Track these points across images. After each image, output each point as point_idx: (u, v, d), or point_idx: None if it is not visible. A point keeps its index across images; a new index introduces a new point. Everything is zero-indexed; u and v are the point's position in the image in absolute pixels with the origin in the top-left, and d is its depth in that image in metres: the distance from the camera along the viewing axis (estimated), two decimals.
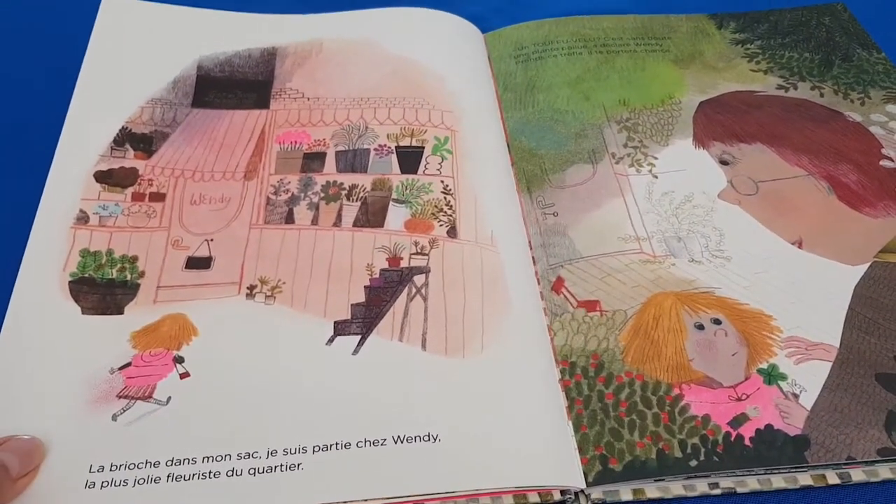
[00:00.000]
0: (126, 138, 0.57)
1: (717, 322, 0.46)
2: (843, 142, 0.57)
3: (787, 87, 0.62)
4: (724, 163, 0.56)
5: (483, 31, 0.68)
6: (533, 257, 0.51)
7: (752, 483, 0.41)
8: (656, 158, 0.57)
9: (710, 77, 0.63)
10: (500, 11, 0.72)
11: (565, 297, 0.49)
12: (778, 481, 0.41)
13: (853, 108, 0.60)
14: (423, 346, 0.46)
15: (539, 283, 0.50)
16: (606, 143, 0.58)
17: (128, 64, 0.62)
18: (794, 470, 0.41)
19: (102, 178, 0.55)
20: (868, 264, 0.49)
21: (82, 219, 0.52)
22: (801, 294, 0.48)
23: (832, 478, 0.41)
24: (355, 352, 0.46)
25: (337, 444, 0.42)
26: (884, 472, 0.41)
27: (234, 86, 0.62)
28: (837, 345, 0.45)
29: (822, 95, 0.61)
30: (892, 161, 0.56)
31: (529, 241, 0.52)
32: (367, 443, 0.42)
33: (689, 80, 0.63)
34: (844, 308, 0.47)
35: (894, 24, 0.68)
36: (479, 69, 0.65)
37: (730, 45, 0.66)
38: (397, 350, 0.46)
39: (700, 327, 0.46)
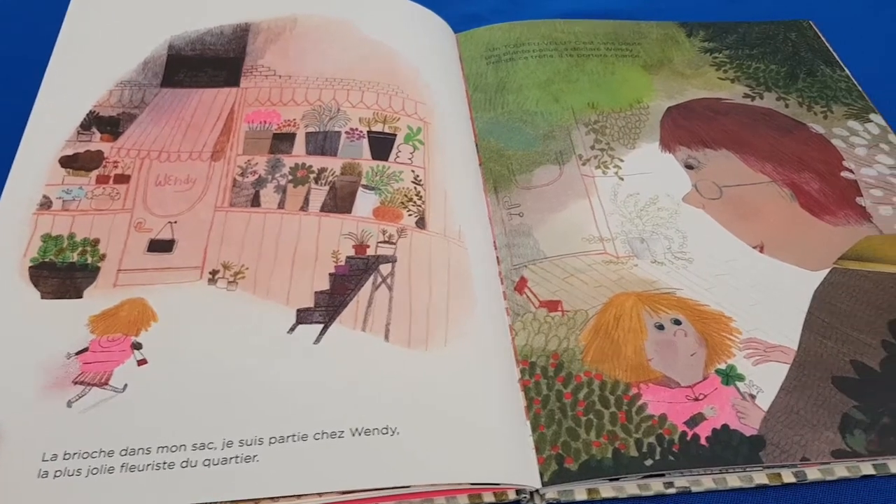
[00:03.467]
0: (93, 122, 0.56)
1: (678, 322, 0.47)
2: (806, 151, 0.58)
3: (754, 96, 0.63)
4: (689, 167, 0.57)
5: None
6: (497, 257, 0.51)
7: (707, 482, 0.41)
8: (622, 161, 0.57)
9: (678, 83, 0.64)
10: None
11: (528, 297, 0.49)
12: (733, 480, 0.41)
13: (816, 121, 0.61)
14: (386, 337, 0.46)
15: (502, 283, 0.50)
16: (574, 145, 0.58)
17: (99, 48, 0.61)
18: (750, 469, 0.41)
19: (67, 162, 0.54)
20: (828, 270, 0.50)
21: (45, 204, 0.51)
22: (761, 297, 0.49)
23: (787, 476, 0.42)
24: (317, 341, 0.46)
25: (294, 435, 0.41)
26: (840, 470, 0.42)
27: (204, 64, 0.61)
28: (795, 347, 0.46)
29: (787, 106, 0.62)
30: (853, 173, 0.57)
31: (494, 241, 0.52)
32: (325, 435, 0.41)
33: (658, 85, 0.63)
34: (803, 312, 0.48)
35: (859, 44, 0.70)
36: (451, 67, 0.65)
37: (699, 54, 0.67)
38: (360, 340, 0.46)
39: (660, 327, 0.47)
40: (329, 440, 0.41)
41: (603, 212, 0.53)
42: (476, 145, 0.59)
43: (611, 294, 0.49)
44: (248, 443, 0.41)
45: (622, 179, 0.56)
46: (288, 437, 0.41)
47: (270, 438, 0.41)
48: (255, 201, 0.52)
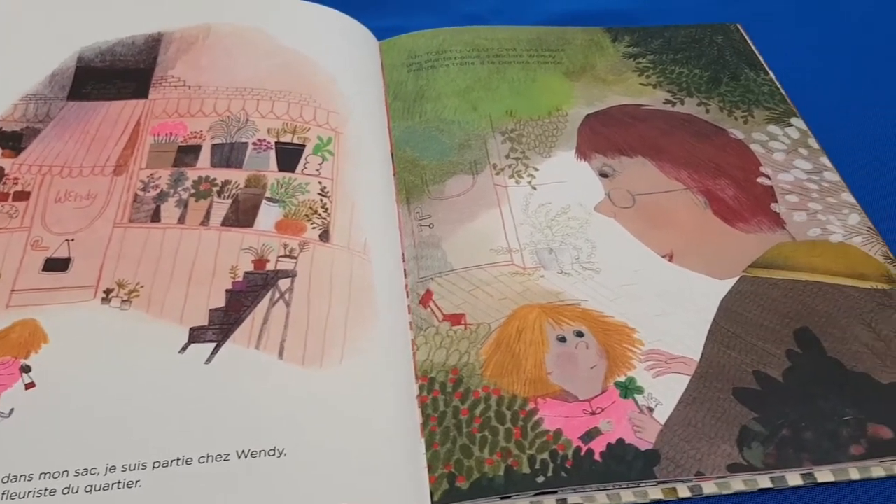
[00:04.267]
0: None
1: (580, 335, 0.46)
2: (723, 157, 0.58)
3: (675, 101, 0.62)
4: (603, 175, 0.56)
5: None
6: (405, 270, 0.50)
7: (600, 498, 0.40)
8: (537, 170, 0.56)
9: (599, 89, 0.63)
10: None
11: (432, 310, 0.48)
12: (627, 496, 0.41)
13: (736, 126, 0.60)
14: (280, 355, 0.45)
15: (408, 297, 0.49)
16: (489, 154, 0.57)
17: (5, 61, 0.60)
18: (644, 484, 0.40)
19: None
20: (736, 278, 0.50)
21: None
22: (666, 307, 0.48)
23: (683, 491, 0.41)
24: (208, 360, 0.44)
25: (178, 459, 0.40)
26: (736, 484, 0.41)
27: (114, 75, 0.60)
28: (698, 358, 0.45)
29: (707, 111, 0.61)
30: (769, 179, 0.56)
31: (403, 254, 0.51)
32: (210, 458, 0.40)
33: (578, 92, 0.62)
34: (709, 322, 0.47)
35: (787, 48, 0.69)
36: (371, 76, 0.64)
37: (622, 59, 0.66)
38: (252, 358, 0.44)
39: (562, 340, 0.46)
40: (214, 463, 0.40)
41: (513, 222, 0.53)
42: (392, 155, 0.58)
43: (515, 306, 0.48)
44: (132, 468, 0.40)
45: (535, 189, 0.55)
46: (172, 461, 0.40)
47: (154, 463, 0.40)
48: (156, 216, 0.51)
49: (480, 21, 0.70)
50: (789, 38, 0.71)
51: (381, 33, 0.68)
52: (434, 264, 0.50)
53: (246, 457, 0.40)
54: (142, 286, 0.47)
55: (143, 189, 0.52)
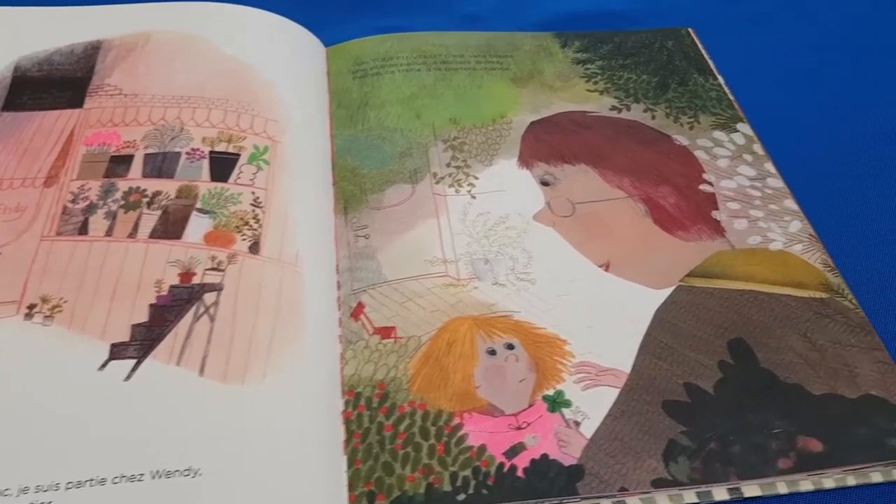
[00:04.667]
0: None
1: (511, 347, 0.45)
2: (666, 164, 0.57)
3: (621, 108, 0.62)
4: (544, 183, 0.55)
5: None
6: (339, 282, 0.50)
7: None
8: (477, 178, 0.55)
9: (546, 96, 0.62)
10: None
11: (363, 323, 0.47)
12: None
13: (682, 132, 0.60)
14: (202, 371, 0.44)
15: (340, 309, 0.48)
16: (430, 162, 0.56)
17: None
18: (566, 500, 0.40)
19: None
20: (672, 288, 0.49)
21: None
22: (600, 318, 0.47)
23: None
24: (127, 377, 0.43)
25: (91, 479, 0.39)
26: (661, 499, 0.41)
27: (50, 85, 0.59)
28: (629, 370, 0.45)
29: (653, 118, 0.61)
30: (712, 186, 0.56)
31: (338, 265, 0.50)
32: (123, 478, 0.39)
33: (525, 98, 0.62)
34: (643, 333, 0.47)
35: (740, 52, 0.69)
36: (315, 83, 0.63)
37: (570, 65, 0.65)
38: (172, 375, 0.43)
39: (492, 353, 0.45)
40: (127, 484, 0.39)
41: (450, 232, 0.52)
42: (333, 164, 0.57)
43: (447, 318, 0.47)
44: (45, 488, 0.39)
45: (474, 198, 0.54)
46: (86, 481, 0.39)
47: (67, 483, 0.39)
48: (83, 229, 0.50)
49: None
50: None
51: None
52: (368, 276, 0.49)
53: (160, 477, 0.39)
54: (65, 301, 0.46)
55: (73, 201, 0.51)
